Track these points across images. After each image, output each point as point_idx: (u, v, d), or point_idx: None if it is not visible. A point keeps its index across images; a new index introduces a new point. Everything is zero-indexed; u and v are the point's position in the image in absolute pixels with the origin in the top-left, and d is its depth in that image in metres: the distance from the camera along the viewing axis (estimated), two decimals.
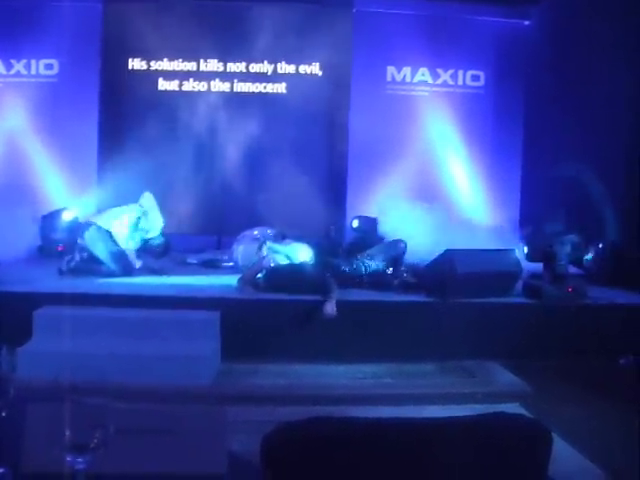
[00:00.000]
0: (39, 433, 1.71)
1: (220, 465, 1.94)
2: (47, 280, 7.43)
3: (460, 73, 11.12)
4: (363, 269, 7.60)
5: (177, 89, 10.90)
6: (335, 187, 10.82)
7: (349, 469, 1.69)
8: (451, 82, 11.03)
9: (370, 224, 9.92)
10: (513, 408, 4.90)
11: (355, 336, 6.61)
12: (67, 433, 1.60)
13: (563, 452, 4.02)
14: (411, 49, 9.99)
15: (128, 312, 6.27)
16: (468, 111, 10.69)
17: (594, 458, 4.35)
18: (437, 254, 7.38)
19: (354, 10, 10.70)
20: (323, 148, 10.88)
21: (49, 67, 10.66)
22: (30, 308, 5.99)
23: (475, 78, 11.11)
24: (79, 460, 1.61)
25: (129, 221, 8.01)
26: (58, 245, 9.38)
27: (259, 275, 7.29)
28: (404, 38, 9.90)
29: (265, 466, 1.70)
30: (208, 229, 10.67)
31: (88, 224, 7.96)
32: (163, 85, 10.91)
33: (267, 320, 6.58)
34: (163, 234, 8.35)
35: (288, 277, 7.19)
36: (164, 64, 10.88)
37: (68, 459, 1.61)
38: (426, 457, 1.73)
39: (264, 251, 7.64)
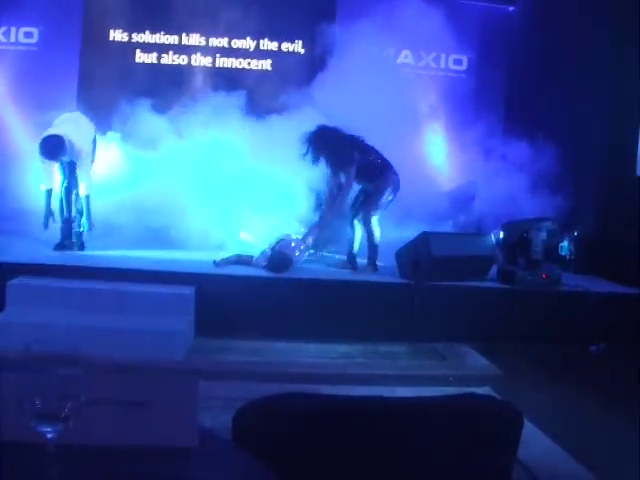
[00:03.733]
0: (9, 402, 1.70)
1: (191, 439, 1.94)
2: (22, 251, 7.38)
3: (443, 56, 11.10)
4: None
5: (155, 62, 10.81)
6: None
7: (319, 444, 1.70)
8: (433, 65, 11.01)
9: None
10: (484, 391, 4.93)
11: (329, 316, 6.63)
12: (37, 403, 1.59)
13: (532, 435, 4.07)
14: (395, 31, 9.93)
15: (102, 285, 6.24)
16: (450, 94, 10.66)
17: (562, 441, 4.40)
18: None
19: None
20: None
21: (29, 35, 10.50)
22: (4, 279, 5.95)
23: (458, 62, 11.10)
24: (49, 430, 1.61)
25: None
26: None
27: None
28: (388, 20, 9.84)
29: (236, 440, 1.70)
30: None
31: None
32: (141, 57, 10.81)
33: (242, 297, 6.58)
34: None
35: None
36: (145, 36, 10.77)
37: (38, 429, 1.61)
38: (396, 435, 1.74)
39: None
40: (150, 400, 1.92)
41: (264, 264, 7.39)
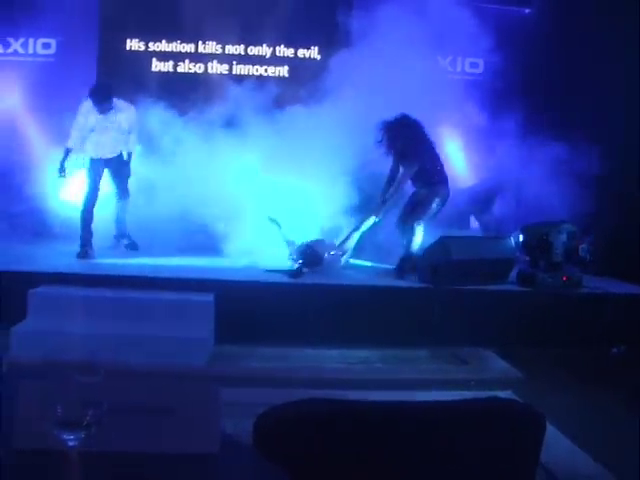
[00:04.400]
0: (31, 410, 1.71)
1: (213, 445, 1.94)
2: (44, 260, 7.44)
3: (459, 60, 11.09)
4: None
5: (172, 70, 10.87)
6: None
7: (340, 450, 1.70)
8: (450, 69, 10.99)
9: None
10: (505, 395, 4.91)
11: (348, 321, 6.62)
12: (59, 410, 1.60)
13: (554, 439, 4.04)
14: (412, 35, 9.91)
15: (123, 293, 6.26)
16: (467, 97, 10.64)
17: (584, 445, 4.37)
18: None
19: None
20: None
21: (47, 46, 10.58)
22: (27, 288, 5.98)
23: (474, 65, 11.08)
24: (71, 437, 1.62)
25: None
26: (54, 226, 9.39)
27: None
28: (405, 24, 9.82)
29: (258, 447, 1.70)
30: None
31: None
32: (157, 66, 10.86)
33: (262, 303, 6.58)
34: None
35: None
36: (162, 45, 10.82)
37: (60, 436, 1.62)
38: (418, 440, 1.73)
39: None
40: (172, 407, 1.93)
41: (294, 257, 7.54)
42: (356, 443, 1.71)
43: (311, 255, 7.55)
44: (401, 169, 7.95)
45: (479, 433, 1.73)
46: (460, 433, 1.71)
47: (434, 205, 7.83)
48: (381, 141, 7.88)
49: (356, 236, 8.02)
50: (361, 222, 8.05)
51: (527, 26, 10.88)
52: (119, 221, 8.57)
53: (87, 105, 8.02)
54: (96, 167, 8.13)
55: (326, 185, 8.23)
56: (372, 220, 7.97)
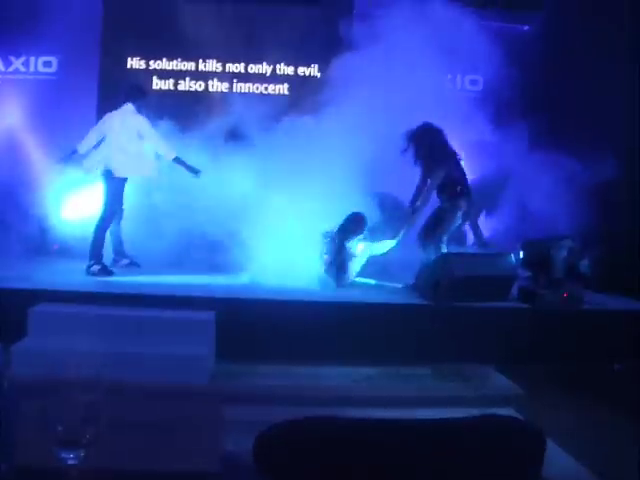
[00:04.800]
0: (31, 429, 1.71)
1: (214, 464, 1.94)
2: (44, 278, 7.44)
3: (459, 77, 11.13)
4: None
5: (172, 88, 10.92)
6: None
7: (342, 469, 1.69)
8: (450, 86, 11.01)
9: None
10: (507, 412, 4.90)
11: (350, 338, 6.60)
12: (59, 428, 1.59)
13: (556, 456, 4.03)
14: (410, 53, 9.94)
15: (123, 311, 6.25)
16: (467, 114, 10.66)
17: (587, 462, 4.35)
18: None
19: (354, 12, 10.67)
20: None
21: (48, 64, 10.64)
22: (27, 305, 5.98)
23: (474, 83, 11.12)
24: (71, 456, 1.61)
25: None
26: (53, 243, 9.42)
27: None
28: (404, 43, 9.85)
29: (259, 465, 1.69)
30: None
31: None
32: (158, 84, 10.92)
33: (263, 321, 6.57)
34: None
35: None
36: (162, 63, 10.88)
37: (60, 455, 1.61)
38: (419, 458, 1.72)
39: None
40: (173, 425, 1.93)
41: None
42: (358, 461, 1.71)
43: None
44: (428, 178, 8.00)
45: (479, 450, 1.72)
46: (460, 450, 1.71)
47: (457, 218, 7.86)
48: (406, 150, 7.92)
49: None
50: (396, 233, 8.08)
51: (527, 43, 10.92)
52: (119, 242, 8.53)
53: (117, 119, 8.09)
54: (121, 185, 8.15)
55: (326, 202, 8.20)
56: (392, 243, 8.01)
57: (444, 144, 7.95)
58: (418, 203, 8.05)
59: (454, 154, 8.01)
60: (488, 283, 7.24)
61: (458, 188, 7.88)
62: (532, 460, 1.77)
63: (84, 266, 7.85)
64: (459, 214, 7.88)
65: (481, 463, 1.73)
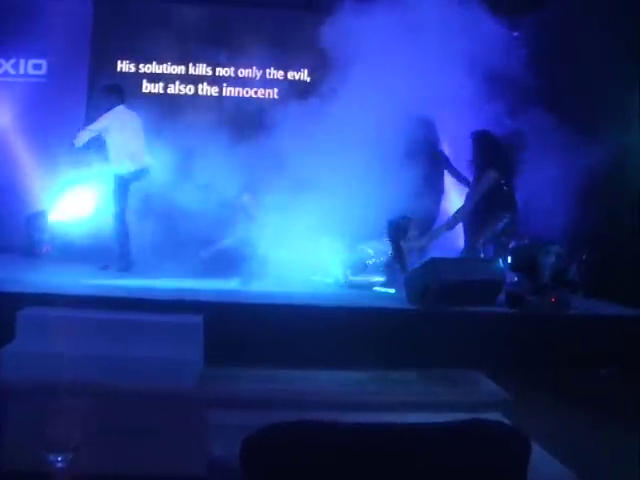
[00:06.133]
0: (20, 432, 1.71)
1: (200, 467, 1.94)
2: (32, 281, 7.42)
3: (445, 82, 11.14)
4: None
5: (162, 92, 10.92)
6: None
7: (329, 473, 1.70)
8: (436, 90, 11.02)
9: None
10: (494, 417, 4.91)
11: (339, 343, 6.60)
12: (47, 432, 1.60)
13: (543, 460, 4.04)
14: (400, 59, 9.94)
15: (111, 314, 6.24)
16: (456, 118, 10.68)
17: (572, 466, 4.37)
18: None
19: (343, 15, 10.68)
20: None
21: (38, 67, 10.62)
22: (15, 308, 5.96)
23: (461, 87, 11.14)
24: (59, 459, 1.62)
25: None
26: (43, 246, 9.38)
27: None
28: (395, 48, 9.85)
29: (245, 469, 1.70)
30: None
31: None
32: (147, 88, 10.91)
33: (252, 325, 6.57)
34: None
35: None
36: (152, 67, 10.88)
37: (48, 458, 1.62)
38: (406, 462, 1.73)
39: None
40: (160, 428, 1.94)
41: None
42: (345, 465, 1.72)
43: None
44: (479, 181, 8.10)
45: (465, 454, 1.73)
46: (446, 455, 1.72)
47: (501, 225, 7.94)
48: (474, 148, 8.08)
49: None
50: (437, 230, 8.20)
51: (516, 48, 10.94)
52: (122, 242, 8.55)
53: (121, 117, 8.13)
54: (127, 181, 8.26)
55: (322, 216, 8.20)
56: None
57: (499, 151, 8.04)
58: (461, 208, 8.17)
59: (507, 164, 8.11)
60: (476, 288, 7.25)
61: (504, 199, 7.99)
62: (516, 465, 1.79)
63: (73, 269, 7.84)
64: (505, 220, 7.97)
65: (467, 467, 1.74)
